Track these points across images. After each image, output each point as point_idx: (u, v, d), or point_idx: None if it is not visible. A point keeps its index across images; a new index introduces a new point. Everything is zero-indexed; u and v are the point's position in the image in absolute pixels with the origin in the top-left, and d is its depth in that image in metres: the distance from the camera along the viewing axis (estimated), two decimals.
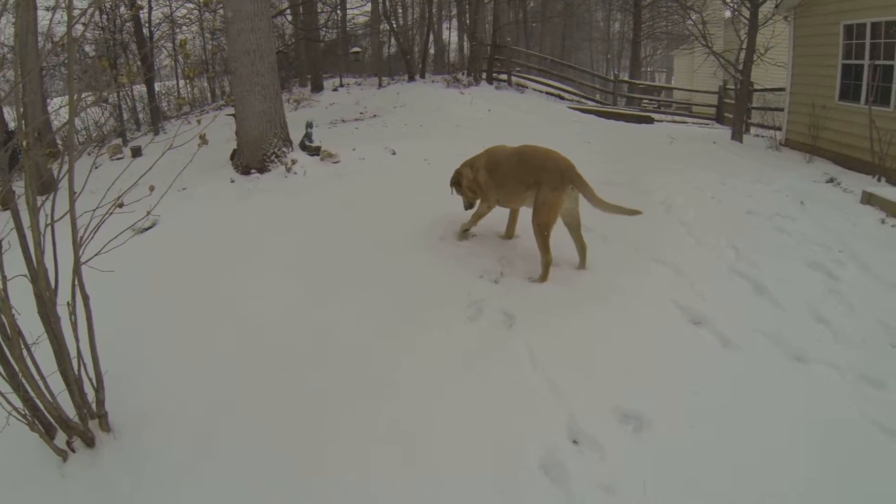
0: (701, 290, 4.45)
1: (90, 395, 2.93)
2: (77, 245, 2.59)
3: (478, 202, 5.21)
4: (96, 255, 2.73)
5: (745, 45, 10.63)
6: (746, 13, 10.44)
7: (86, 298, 2.76)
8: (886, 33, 8.10)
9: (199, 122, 3.30)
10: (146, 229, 5.60)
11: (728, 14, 12.51)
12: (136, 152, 9.93)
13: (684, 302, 4.27)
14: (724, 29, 17.71)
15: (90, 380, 2.90)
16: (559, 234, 4.65)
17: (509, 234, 5.37)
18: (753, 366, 3.57)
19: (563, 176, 4.51)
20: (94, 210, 2.68)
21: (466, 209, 5.33)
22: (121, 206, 2.77)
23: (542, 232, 4.52)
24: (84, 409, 2.85)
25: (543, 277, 4.55)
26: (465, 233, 5.29)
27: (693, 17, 11.87)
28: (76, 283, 2.69)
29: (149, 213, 3.32)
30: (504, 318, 4.05)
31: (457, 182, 5.24)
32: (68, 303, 2.72)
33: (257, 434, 3.03)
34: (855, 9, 8.66)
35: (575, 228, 4.77)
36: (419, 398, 3.25)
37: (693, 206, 6.26)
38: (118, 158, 10.21)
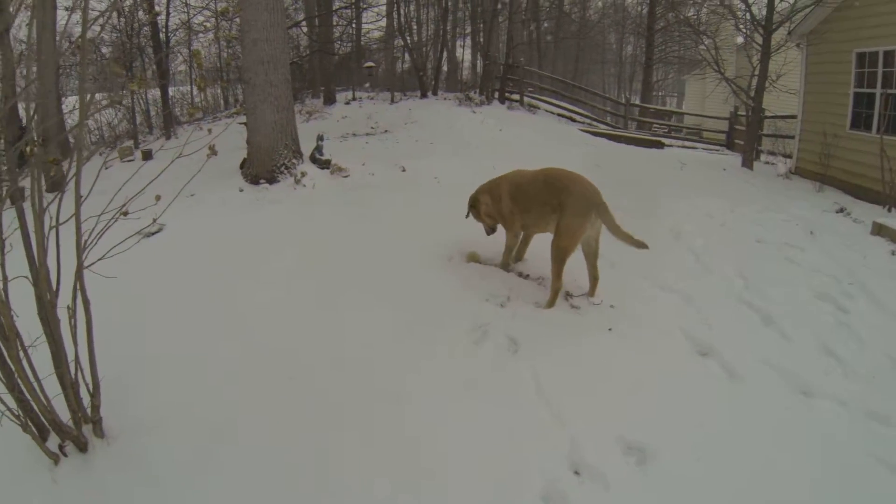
0: (708, 318, 4.41)
1: (86, 399, 2.90)
2: (80, 249, 2.57)
3: (504, 231, 5.12)
4: (100, 259, 2.71)
5: (756, 72, 10.60)
6: (759, 39, 10.43)
7: (87, 303, 2.74)
8: None
9: (209, 131, 3.28)
10: (152, 234, 5.59)
11: (740, 40, 12.49)
12: (147, 155, 9.99)
13: (691, 331, 4.22)
14: (736, 55, 17.74)
15: (86, 384, 2.87)
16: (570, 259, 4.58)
17: (520, 255, 5.29)
18: (759, 399, 3.51)
19: (589, 202, 4.39)
20: (99, 215, 2.66)
21: (489, 235, 5.24)
22: (125, 214, 2.75)
23: (561, 257, 4.41)
24: (79, 413, 2.82)
25: (551, 303, 4.47)
26: (506, 266, 5.17)
27: (706, 43, 11.86)
28: (78, 287, 2.67)
29: (154, 220, 3.30)
30: (509, 344, 3.99)
31: (474, 208, 5.14)
32: (68, 306, 2.70)
33: (257, 448, 2.98)
34: (868, 37, 8.64)
35: (592, 257, 4.67)
36: (423, 422, 3.20)
37: (702, 233, 6.23)
38: (129, 160, 10.26)
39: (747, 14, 10.86)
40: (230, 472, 2.84)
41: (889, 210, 7.79)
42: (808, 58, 10.27)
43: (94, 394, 2.88)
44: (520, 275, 5.04)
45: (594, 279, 4.69)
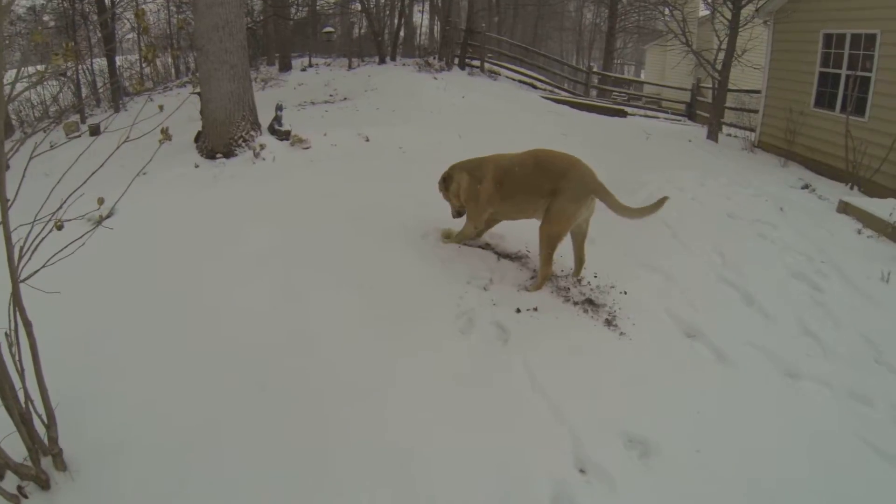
0: (692, 298, 4.36)
1: (41, 430, 2.56)
2: (13, 265, 2.20)
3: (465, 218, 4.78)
4: (35, 272, 2.37)
5: (723, 46, 10.60)
6: (727, 14, 10.39)
7: (28, 325, 2.35)
8: (866, 45, 8.16)
9: (161, 108, 2.85)
10: (104, 219, 5.11)
11: (705, 12, 12.48)
12: (95, 130, 9.34)
13: (677, 311, 4.16)
14: (699, 27, 17.78)
15: (39, 416, 2.54)
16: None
17: (480, 232, 4.94)
18: (750, 383, 3.50)
19: (587, 186, 4.14)
20: (31, 223, 2.30)
21: (454, 218, 4.89)
22: (60, 227, 2.39)
23: (551, 243, 4.17)
24: (36, 447, 2.49)
25: (538, 287, 4.24)
26: (447, 240, 4.87)
27: (672, 14, 11.77)
28: (14, 310, 2.32)
29: (102, 219, 2.93)
30: (498, 332, 3.77)
31: (445, 182, 4.76)
32: (6, 333, 2.34)
33: (232, 466, 2.70)
34: (836, 19, 8.74)
35: (580, 241, 4.47)
36: (414, 426, 2.95)
37: (676, 207, 6.13)
38: (75, 136, 9.62)
39: None
40: (207, 495, 2.57)
41: (851, 188, 7.97)
42: (774, 35, 10.34)
43: (50, 425, 2.52)
44: (498, 254, 4.80)
45: (580, 260, 4.52)
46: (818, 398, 3.44)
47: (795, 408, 3.33)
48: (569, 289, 4.35)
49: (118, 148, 2.67)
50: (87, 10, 14.66)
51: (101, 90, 14.89)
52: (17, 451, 2.48)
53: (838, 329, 4.18)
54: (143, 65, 16.91)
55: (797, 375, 3.61)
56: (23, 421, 2.42)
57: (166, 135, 2.69)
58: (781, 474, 2.82)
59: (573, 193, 4.13)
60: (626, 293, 4.32)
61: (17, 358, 2.41)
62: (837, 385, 3.54)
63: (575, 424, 2.97)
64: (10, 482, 2.47)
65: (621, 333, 3.84)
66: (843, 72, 8.60)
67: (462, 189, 4.63)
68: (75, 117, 11.82)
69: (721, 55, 10.78)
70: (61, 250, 2.47)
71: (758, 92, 11.37)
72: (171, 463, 2.71)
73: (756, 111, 11.35)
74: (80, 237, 2.60)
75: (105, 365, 3.35)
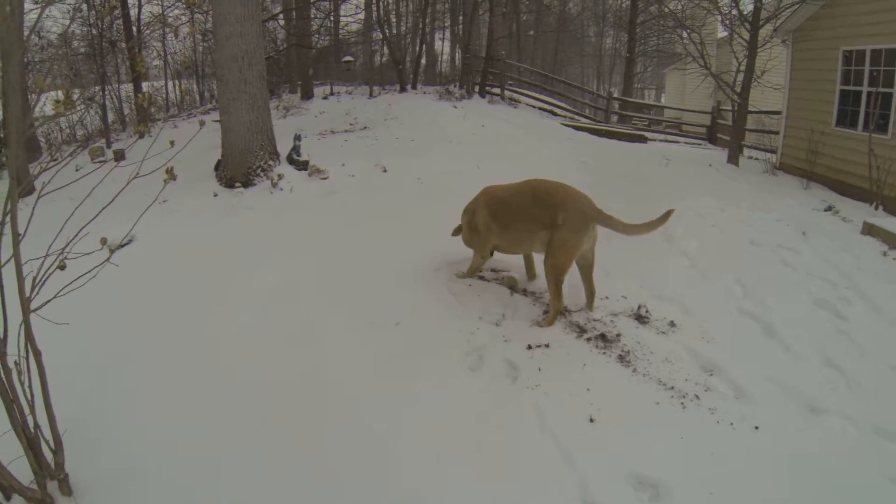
0: (710, 331, 4.26)
1: (48, 455, 2.63)
2: (24, 297, 2.28)
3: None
4: (47, 303, 2.43)
5: (742, 67, 10.52)
6: (745, 34, 10.33)
7: (37, 354, 2.44)
8: (886, 61, 8.04)
9: (172, 143, 2.94)
10: (122, 246, 5.26)
11: (723, 34, 12.44)
12: (119, 156, 9.60)
13: (694, 346, 4.07)
14: (718, 49, 17.70)
15: (47, 442, 2.60)
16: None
17: (532, 274, 4.98)
18: (769, 420, 3.37)
19: (586, 215, 4.15)
20: (43, 257, 2.37)
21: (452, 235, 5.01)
22: (62, 268, 2.46)
23: (557, 275, 4.17)
24: (43, 472, 2.54)
25: (550, 322, 4.22)
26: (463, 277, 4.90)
27: (690, 36, 11.74)
28: (26, 339, 2.38)
29: (111, 254, 2.99)
30: (508, 370, 3.73)
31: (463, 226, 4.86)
32: (16, 362, 2.41)
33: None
34: (855, 35, 8.62)
35: (587, 271, 4.45)
36: (423, 469, 2.93)
37: (695, 235, 6.09)
38: (100, 161, 9.87)
39: (734, 10, 10.76)
40: None
41: (876, 208, 7.79)
42: (793, 54, 10.24)
43: (57, 451, 2.61)
44: (511, 289, 4.79)
45: (591, 293, 4.49)
46: (841, 435, 3.31)
47: (817, 445, 3.20)
48: (582, 324, 4.29)
49: (128, 184, 2.75)
50: (115, 37, 15.09)
51: (126, 115, 15.28)
52: (25, 474, 2.56)
53: (863, 359, 4.05)
54: (172, 84, 17.34)
55: (819, 410, 3.47)
56: (31, 446, 2.50)
57: (171, 174, 2.76)
58: None
59: (574, 224, 4.13)
60: (641, 327, 4.26)
61: (26, 385, 2.47)
62: (861, 420, 3.40)
63: (583, 466, 2.91)
64: None
65: (634, 370, 3.77)
66: (865, 89, 8.45)
67: (464, 222, 4.74)
68: (101, 142, 12.10)
69: (740, 77, 10.67)
70: (72, 282, 2.55)
71: (778, 113, 11.21)
72: (176, 490, 2.75)
73: (777, 132, 11.20)
74: (90, 271, 2.66)
75: (114, 392, 3.43)
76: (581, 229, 4.14)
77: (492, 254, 4.81)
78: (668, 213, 4.12)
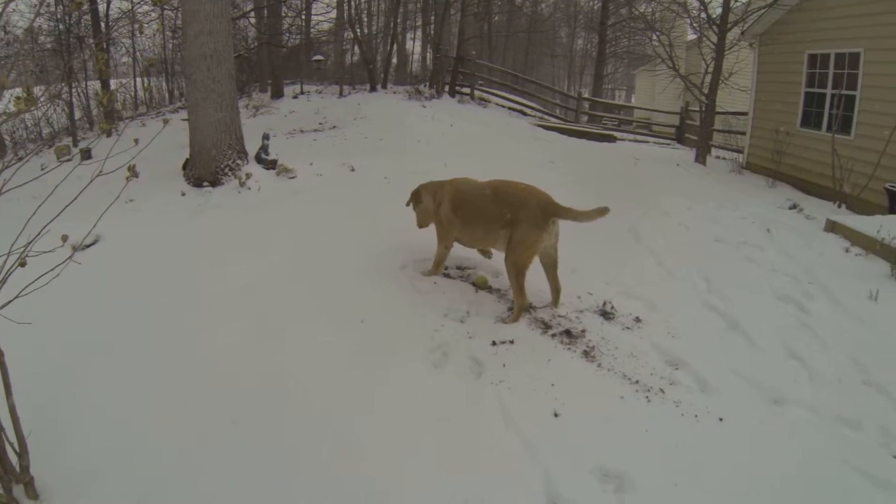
0: (675, 326, 4.28)
1: (13, 458, 2.53)
2: None
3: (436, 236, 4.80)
4: (9, 303, 2.34)
5: (710, 69, 10.68)
6: (713, 38, 10.49)
7: None
8: (850, 64, 8.22)
9: (136, 142, 2.86)
10: (87, 246, 5.09)
11: (692, 37, 12.62)
12: (86, 154, 9.33)
13: (659, 341, 4.08)
14: (687, 52, 17.95)
15: (11, 445, 2.50)
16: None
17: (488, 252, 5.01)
18: (733, 411, 3.39)
19: (545, 212, 4.14)
20: (6, 254, 2.27)
21: (420, 227, 4.96)
22: (23, 265, 2.37)
23: (519, 271, 4.17)
24: (8, 476, 2.44)
25: (515, 319, 4.20)
26: (429, 275, 4.85)
27: (660, 39, 11.87)
28: None
29: (74, 252, 2.90)
30: (472, 366, 3.69)
31: (414, 201, 4.88)
32: None
33: (205, 501, 2.66)
34: (820, 39, 8.82)
35: (551, 268, 4.43)
36: (386, 463, 2.88)
37: (662, 233, 6.14)
38: (66, 160, 9.60)
39: (703, 13, 10.92)
40: None
41: (839, 206, 7.98)
42: (760, 57, 10.46)
43: (22, 454, 2.50)
44: (476, 286, 4.76)
45: (556, 290, 4.47)
46: (804, 424, 3.35)
47: (780, 435, 3.23)
48: (547, 320, 4.27)
49: (91, 182, 2.69)
50: (83, 33, 14.72)
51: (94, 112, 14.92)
52: None
53: (825, 351, 4.12)
54: (141, 81, 17.02)
55: (782, 402, 3.52)
56: None
57: (133, 172, 2.69)
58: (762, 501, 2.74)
59: (534, 221, 4.13)
60: (606, 323, 4.26)
61: None
62: (824, 409, 3.46)
63: (547, 460, 2.88)
64: None
65: (599, 365, 3.75)
66: (829, 91, 8.67)
67: (423, 209, 4.76)
68: (67, 140, 11.79)
69: (708, 78, 10.85)
70: (35, 281, 2.47)
71: (745, 114, 11.44)
72: (143, 492, 2.68)
73: (743, 133, 11.40)
74: (52, 269, 2.58)
75: (80, 394, 3.32)
76: (540, 225, 4.13)
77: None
78: (604, 211, 4.05)
